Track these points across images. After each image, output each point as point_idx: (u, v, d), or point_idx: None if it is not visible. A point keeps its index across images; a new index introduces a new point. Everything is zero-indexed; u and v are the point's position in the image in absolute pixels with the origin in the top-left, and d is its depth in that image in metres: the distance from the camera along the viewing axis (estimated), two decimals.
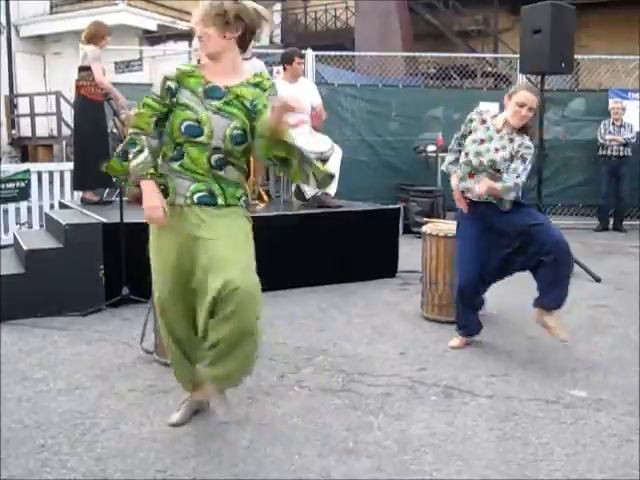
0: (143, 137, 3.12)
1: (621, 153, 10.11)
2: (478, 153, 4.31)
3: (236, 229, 3.18)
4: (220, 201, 3.16)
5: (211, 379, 3.26)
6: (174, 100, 3.11)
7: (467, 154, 4.37)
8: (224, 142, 3.10)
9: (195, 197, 3.13)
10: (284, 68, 7.18)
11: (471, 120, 4.46)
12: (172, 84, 3.12)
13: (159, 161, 3.20)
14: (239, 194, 3.23)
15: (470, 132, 4.44)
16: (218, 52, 3.13)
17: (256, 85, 3.18)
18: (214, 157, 3.12)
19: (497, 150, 4.29)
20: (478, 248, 4.41)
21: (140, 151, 3.10)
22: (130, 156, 3.13)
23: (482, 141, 4.33)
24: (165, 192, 3.15)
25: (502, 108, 4.53)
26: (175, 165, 3.14)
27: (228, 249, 3.06)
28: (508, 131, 4.32)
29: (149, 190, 3.09)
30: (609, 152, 10.18)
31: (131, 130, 3.17)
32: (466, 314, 4.65)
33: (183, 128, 3.08)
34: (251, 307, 3.03)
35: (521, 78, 10.58)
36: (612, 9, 15.37)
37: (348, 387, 3.93)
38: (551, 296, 4.32)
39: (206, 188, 3.14)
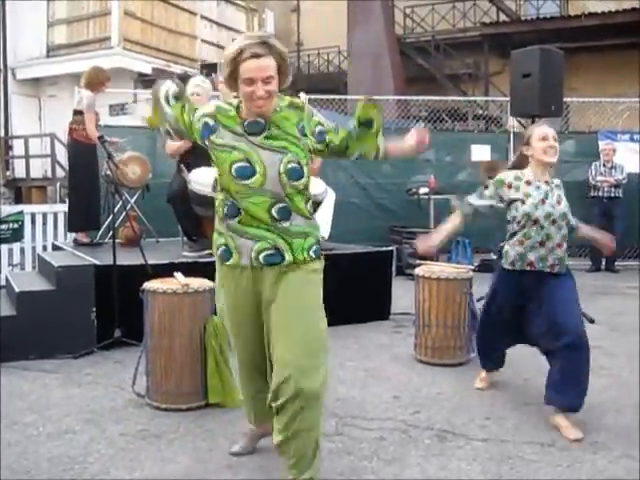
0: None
1: (612, 194, 10.19)
2: (549, 214, 4.00)
3: (308, 300, 3.00)
4: (288, 257, 2.93)
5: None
6: (211, 139, 2.94)
7: (535, 221, 3.98)
8: (280, 181, 2.86)
9: (261, 257, 2.91)
10: None
11: (502, 183, 4.09)
12: (210, 121, 2.95)
13: (218, 218, 3.06)
14: (308, 244, 2.99)
15: (510, 201, 4.07)
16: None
17: (289, 106, 2.97)
18: (275, 208, 2.89)
19: (559, 202, 4.08)
20: (509, 319, 4.25)
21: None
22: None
23: (543, 201, 4.01)
24: (228, 252, 2.99)
25: (516, 162, 4.26)
26: (234, 223, 2.93)
27: (297, 337, 2.89)
28: (547, 178, 4.12)
29: None
30: (600, 193, 10.25)
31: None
32: (489, 348, 4.59)
33: (234, 172, 2.86)
34: (312, 409, 2.91)
35: (512, 120, 10.71)
36: (600, 53, 15.61)
37: (341, 431, 3.89)
38: (568, 396, 3.91)
39: (271, 245, 2.90)
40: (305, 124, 2.96)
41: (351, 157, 3.16)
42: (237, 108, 2.96)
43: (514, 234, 4.09)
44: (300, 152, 2.92)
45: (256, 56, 2.78)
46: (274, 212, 2.89)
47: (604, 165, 10.33)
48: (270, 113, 2.92)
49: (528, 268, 4.07)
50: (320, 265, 3.09)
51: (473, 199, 4.22)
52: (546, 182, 4.09)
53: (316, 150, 3.02)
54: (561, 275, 4.14)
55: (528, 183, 4.06)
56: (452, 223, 4.27)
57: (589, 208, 10.26)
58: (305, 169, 2.93)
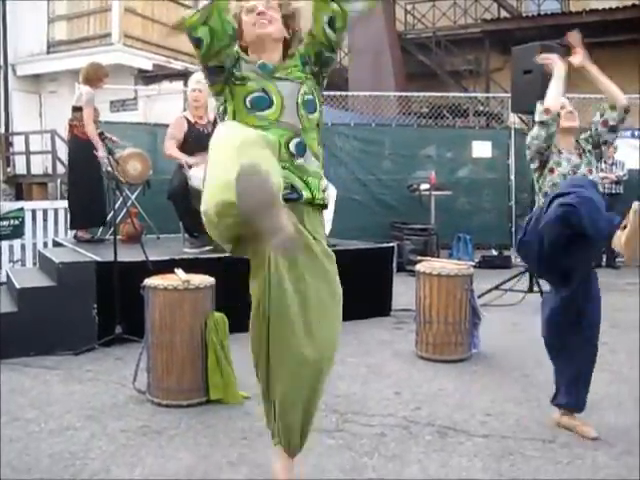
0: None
1: (613, 190, 10.18)
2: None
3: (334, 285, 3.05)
4: (306, 194, 2.79)
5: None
6: (232, 72, 2.78)
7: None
8: (298, 112, 2.77)
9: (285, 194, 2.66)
10: None
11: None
12: (231, 53, 2.79)
13: None
14: (322, 187, 2.89)
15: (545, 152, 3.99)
16: (277, 39, 2.88)
17: (292, 56, 2.92)
18: (293, 142, 2.77)
19: (590, 172, 3.99)
20: None
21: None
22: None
23: (574, 172, 3.93)
24: None
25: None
26: None
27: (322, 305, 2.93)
28: (577, 149, 4.05)
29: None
30: (601, 190, 10.23)
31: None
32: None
33: (249, 102, 2.74)
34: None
35: (513, 117, 10.71)
36: (600, 49, 15.56)
37: (342, 427, 3.89)
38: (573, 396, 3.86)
39: (287, 185, 2.70)
40: (303, 57, 2.91)
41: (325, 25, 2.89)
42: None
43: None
44: (312, 85, 2.87)
45: None
46: (291, 147, 2.77)
47: (605, 162, 10.31)
48: (279, 57, 2.88)
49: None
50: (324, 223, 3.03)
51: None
52: (578, 154, 4.02)
53: (317, 61, 2.92)
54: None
55: (560, 152, 4.00)
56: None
57: None
58: (318, 103, 2.87)
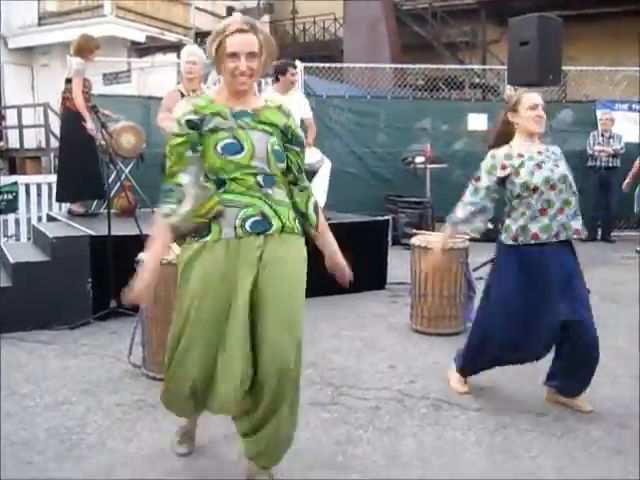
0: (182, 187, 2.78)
1: (610, 164, 10.16)
2: (547, 179, 3.69)
3: (297, 278, 2.98)
4: (276, 224, 2.82)
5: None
6: (200, 132, 2.80)
7: (534, 189, 3.67)
8: (267, 160, 2.81)
9: (247, 225, 2.76)
10: (277, 79, 7.14)
11: (494, 167, 3.79)
12: (193, 117, 2.80)
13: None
14: (293, 216, 2.92)
15: (505, 177, 3.77)
16: (252, 86, 2.95)
17: (278, 108, 2.97)
18: (261, 176, 2.80)
19: (557, 165, 3.78)
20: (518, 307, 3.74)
21: (180, 201, 2.77)
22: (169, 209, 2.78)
23: (539, 166, 3.73)
24: (207, 228, 2.79)
25: (494, 122, 3.97)
26: (219, 193, 2.78)
27: (286, 313, 2.85)
28: (539, 148, 3.83)
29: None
30: (598, 163, 10.22)
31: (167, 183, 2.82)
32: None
33: (220, 149, 2.77)
34: (294, 391, 2.95)
35: (509, 89, 10.63)
36: (599, 21, 15.49)
37: (337, 401, 3.91)
38: (572, 385, 3.86)
39: (257, 212, 2.78)
40: (289, 129, 2.95)
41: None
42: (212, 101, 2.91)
43: (513, 208, 3.79)
44: (281, 142, 2.91)
45: (241, 31, 2.79)
46: (260, 179, 2.80)
47: (602, 135, 10.29)
48: (253, 102, 2.92)
49: (532, 241, 3.70)
50: (303, 243, 3.01)
51: (467, 200, 3.87)
52: (539, 152, 3.81)
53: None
54: (566, 245, 3.82)
55: (520, 156, 3.77)
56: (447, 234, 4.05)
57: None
58: (284, 157, 2.92)
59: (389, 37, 16.55)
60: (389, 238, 7.42)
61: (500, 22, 15.22)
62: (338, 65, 12.45)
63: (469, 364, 4.03)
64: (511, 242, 3.74)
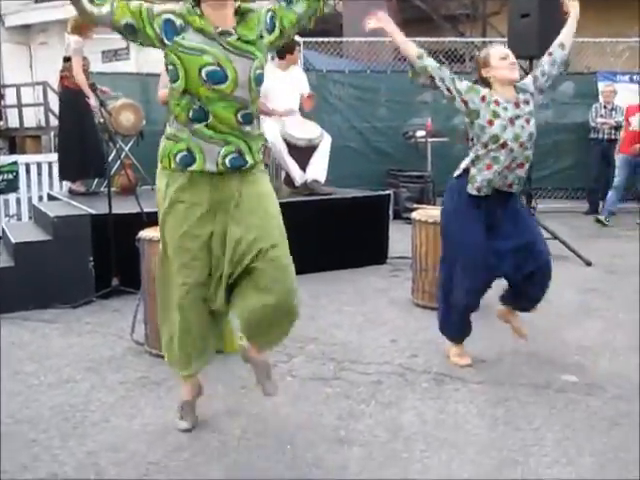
0: None
1: (612, 136, 10.11)
2: (517, 136, 3.78)
3: (271, 201, 3.10)
4: (249, 160, 3.01)
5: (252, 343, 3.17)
6: (176, 40, 2.84)
7: (503, 145, 3.77)
8: (249, 86, 2.91)
9: (227, 161, 2.95)
10: (282, 57, 7.06)
11: (478, 91, 3.84)
12: (176, 20, 2.85)
13: (173, 124, 3.00)
14: (259, 146, 3.10)
15: (474, 111, 3.82)
16: None
17: (244, 14, 2.97)
18: (241, 113, 2.93)
19: (528, 122, 3.84)
20: (484, 245, 3.87)
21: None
22: None
23: (512, 121, 3.78)
24: (190, 157, 2.95)
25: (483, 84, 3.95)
26: (200, 127, 2.92)
27: (269, 226, 3.01)
28: (515, 99, 3.84)
29: None
30: (600, 135, 10.17)
31: None
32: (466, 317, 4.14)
33: (205, 75, 2.82)
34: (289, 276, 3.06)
35: None
36: None
37: (339, 375, 3.93)
38: (525, 303, 4.16)
39: (235, 149, 2.96)
40: (260, 24, 2.98)
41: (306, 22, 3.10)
42: (201, 16, 2.90)
43: (478, 157, 3.86)
44: (263, 57, 2.98)
45: None
46: (239, 117, 2.94)
47: (604, 107, 10.23)
48: (232, 22, 2.93)
49: (496, 190, 3.89)
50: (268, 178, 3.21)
51: (442, 69, 4.09)
52: (515, 104, 3.84)
53: (275, 42, 3.05)
54: (514, 195, 4.03)
55: (497, 103, 3.80)
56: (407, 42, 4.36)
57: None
58: (265, 72, 3.02)
59: (388, 10, 16.34)
60: (390, 213, 7.42)
61: None
62: (337, 39, 12.36)
63: (452, 328, 4.16)
64: (475, 193, 3.88)
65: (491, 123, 3.78)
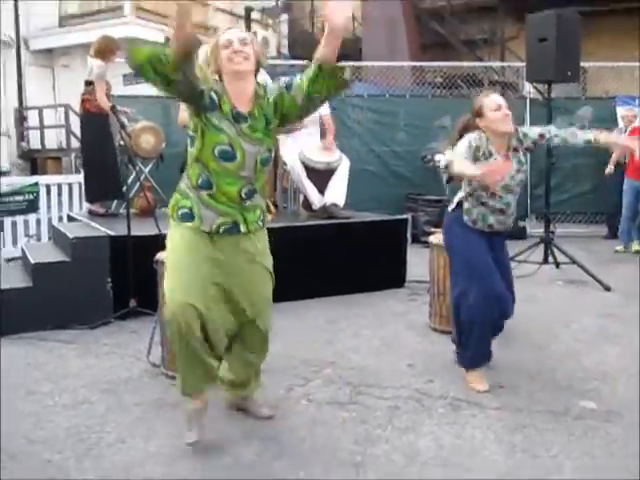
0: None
1: None
2: (506, 186, 3.92)
3: (264, 257, 3.41)
4: (243, 229, 3.25)
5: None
6: (208, 116, 3.05)
7: (492, 194, 3.92)
8: (255, 168, 3.17)
9: (221, 229, 3.21)
10: None
11: (478, 147, 3.85)
12: (214, 97, 3.07)
13: (186, 182, 3.24)
14: (257, 216, 3.33)
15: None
16: (251, 72, 3.16)
17: (259, 97, 3.19)
18: (245, 189, 3.19)
19: (518, 171, 4.00)
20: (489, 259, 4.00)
21: None
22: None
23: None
24: (190, 216, 3.19)
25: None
26: (204, 194, 3.17)
27: (259, 285, 3.38)
28: (505, 150, 3.95)
29: None
30: (621, 159, 10.10)
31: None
32: (486, 340, 4.13)
33: (217, 152, 3.08)
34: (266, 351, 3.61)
35: (528, 86, 10.57)
36: (616, 16, 15.36)
37: (356, 400, 3.90)
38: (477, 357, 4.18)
39: (231, 220, 3.22)
40: (269, 110, 3.19)
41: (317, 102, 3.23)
42: (224, 93, 3.12)
43: (472, 195, 4.00)
44: (270, 141, 3.24)
45: (231, 28, 3.24)
46: (243, 193, 3.20)
47: (626, 131, 10.18)
48: (251, 94, 3.16)
49: (487, 230, 4.04)
50: (265, 233, 3.47)
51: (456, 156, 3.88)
52: (506, 155, 3.93)
53: (280, 124, 3.28)
54: (502, 235, 4.18)
55: (490, 154, 3.87)
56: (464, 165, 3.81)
57: (610, 174, 10.10)
58: (273, 152, 3.34)
59: (408, 35, 16.51)
60: (408, 236, 7.41)
61: (518, 19, 15.09)
62: (357, 64, 12.43)
63: (468, 356, 4.14)
64: (471, 224, 4.04)
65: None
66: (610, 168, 9.44)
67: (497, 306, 3.96)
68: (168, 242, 3.30)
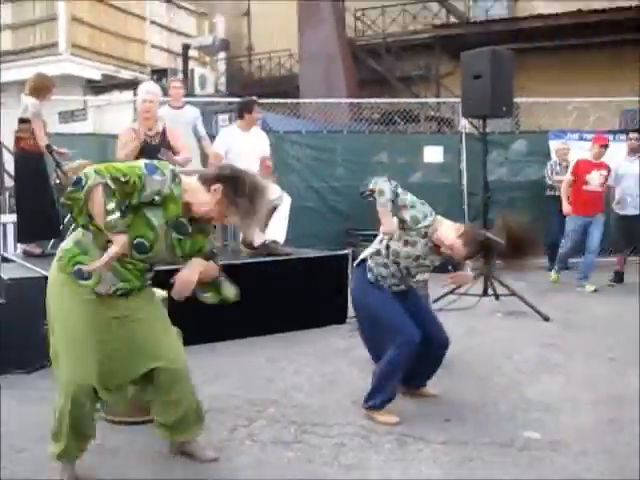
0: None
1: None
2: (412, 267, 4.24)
3: (158, 307, 3.46)
4: (136, 290, 3.26)
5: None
6: (143, 202, 3.00)
7: (397, 263, 4.23)
8: (165, 253, 3.19)
9: (118, 292, 3.19)
10: (241, 116, 7.18)
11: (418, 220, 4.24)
12: (158, 199, 3.02)
13: (91, 235, 3.10)
14: (148, 276, 3.34)
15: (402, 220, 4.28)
16: None
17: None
18: (148, 265, 3.24)
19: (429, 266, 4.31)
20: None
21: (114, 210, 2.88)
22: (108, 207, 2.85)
23: (417, 258, 4.15)
24: (87, 274, 3.09)
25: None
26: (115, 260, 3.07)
27: (159, 330, 3.36)
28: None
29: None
30: (557, 192, 10.29)
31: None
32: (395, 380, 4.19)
33: (135, 243, 3.03)
34: (188, 386, 3.40)
35: (463, 122, 10.79)
36: (549, 53, 15.84)
37: (301, 438, 3.85)
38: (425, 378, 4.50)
39: (130, 286, 3.20)
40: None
41: None
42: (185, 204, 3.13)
43: (379, 253, 4.32)
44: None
45: None
46: (146, 268, 3.25)
47: (560, 164, 10.42)
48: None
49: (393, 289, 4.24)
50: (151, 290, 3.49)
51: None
52: (404, 242, 4.22)
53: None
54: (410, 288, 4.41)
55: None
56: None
57: (544, 206, 10.31)
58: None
59: (345, 72, 16.71)
60: (349, 272, 7.41)
61: (453, 56, 15.43)
62: (294, 101, 12.53)
63: (380, 399, 4.15)
64: (373, 281, 4.24)
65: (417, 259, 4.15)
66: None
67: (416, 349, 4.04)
68: (56, 300, 3.29)
